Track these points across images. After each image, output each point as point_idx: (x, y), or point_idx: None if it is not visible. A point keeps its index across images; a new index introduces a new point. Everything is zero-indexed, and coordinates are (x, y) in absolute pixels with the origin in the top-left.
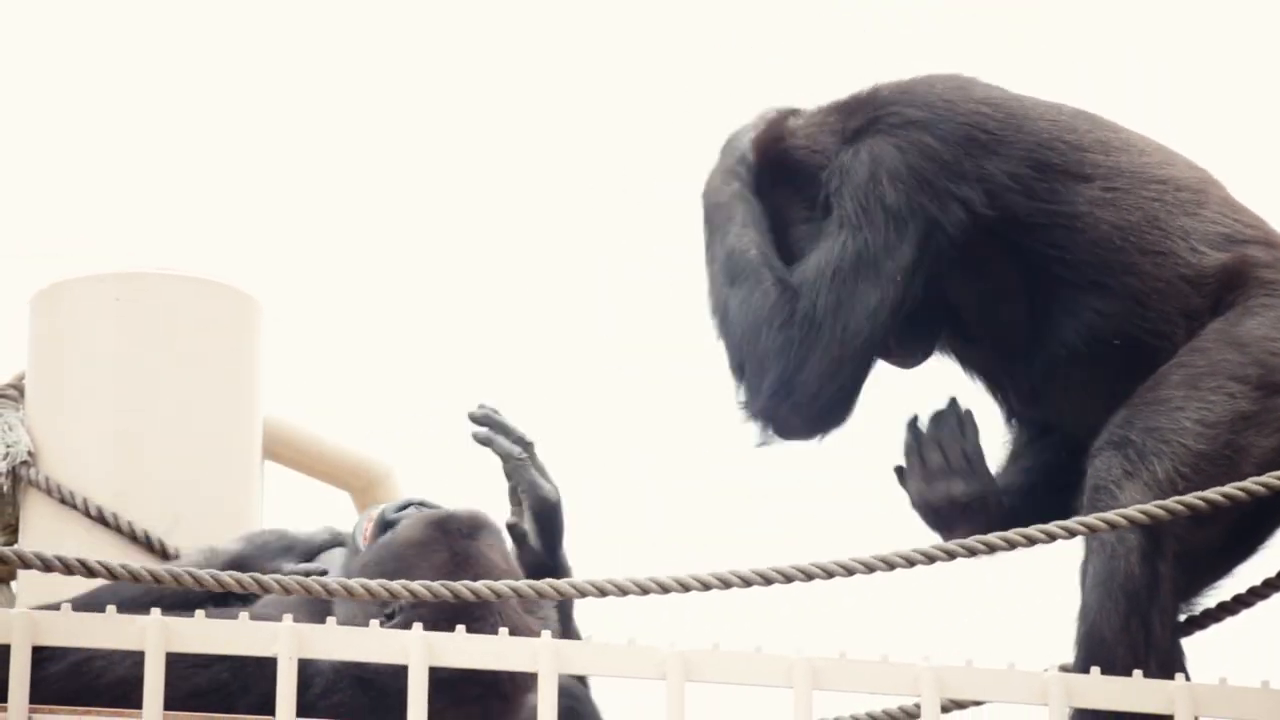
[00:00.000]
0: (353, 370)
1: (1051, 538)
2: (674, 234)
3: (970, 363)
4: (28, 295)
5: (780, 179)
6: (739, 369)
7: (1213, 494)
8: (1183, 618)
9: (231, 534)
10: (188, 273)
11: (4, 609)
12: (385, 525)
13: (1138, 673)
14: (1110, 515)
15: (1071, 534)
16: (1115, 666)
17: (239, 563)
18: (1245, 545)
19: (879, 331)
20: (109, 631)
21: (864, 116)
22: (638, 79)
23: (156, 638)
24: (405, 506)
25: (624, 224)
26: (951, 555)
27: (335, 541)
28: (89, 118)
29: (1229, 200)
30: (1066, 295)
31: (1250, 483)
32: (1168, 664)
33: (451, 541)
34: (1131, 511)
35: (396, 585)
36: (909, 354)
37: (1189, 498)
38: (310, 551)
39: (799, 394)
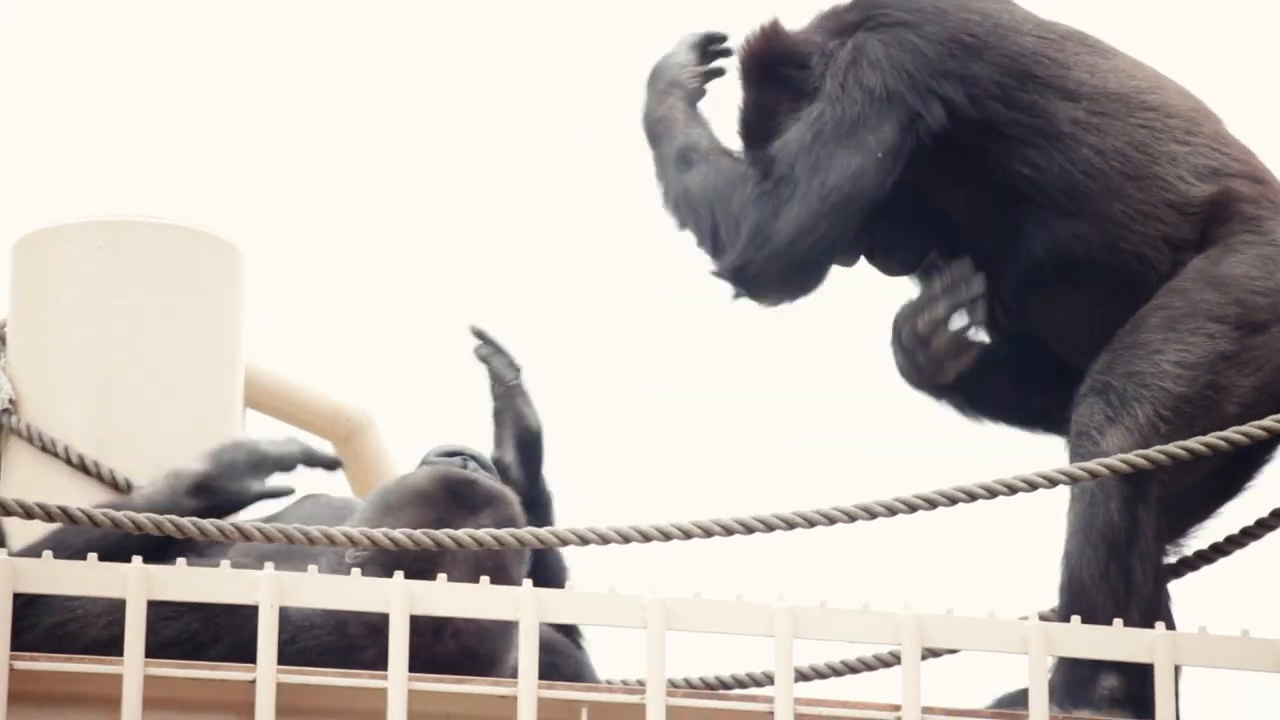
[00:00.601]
0: (335, 319)
1: (1033, 486)
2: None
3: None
4: (10, 243)
5: (772, 81)
6: (710, 234)
7: (1194, 443)
8: (1171, 560)
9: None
10: (170, 220)
11: None
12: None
13: (1118, 621)
14: (1091, 465)
15: (1053, 483)
16: (1096, 613)
17: (205, 484)
18: (1231, 486)
19: (861, 195)
20: (90, 579)
21: (856, 15)
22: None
23: (138, 585)
24: (453, 454)
25: (609, 169)
26: (932, 504)
27: (306, 456)
28: (72, 66)
29: (1220, 133)
30: (1035, 213)
31: (1232, 432)
32: (1150, 610)
33: (450, 506)
34: (1113, 461)
35: (355, 533)
36: (892, 260)
37: (1171, 447)
38: (283, 466)
39: (776, 242)
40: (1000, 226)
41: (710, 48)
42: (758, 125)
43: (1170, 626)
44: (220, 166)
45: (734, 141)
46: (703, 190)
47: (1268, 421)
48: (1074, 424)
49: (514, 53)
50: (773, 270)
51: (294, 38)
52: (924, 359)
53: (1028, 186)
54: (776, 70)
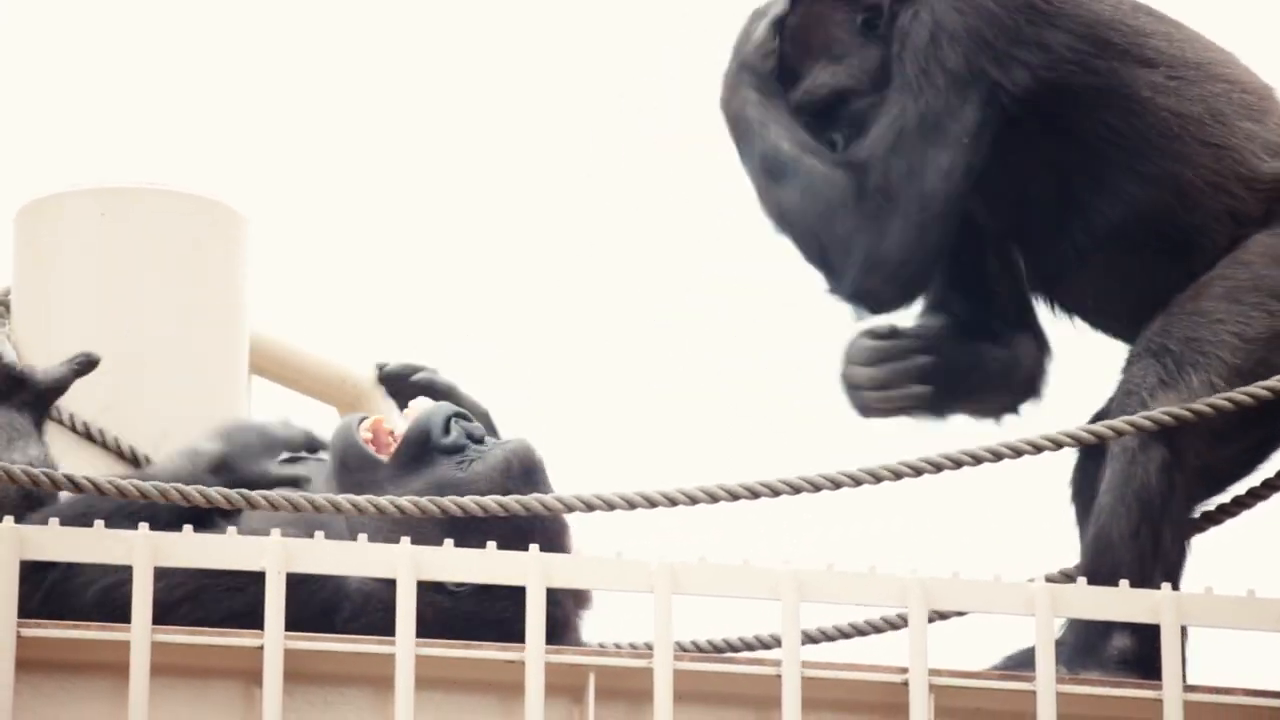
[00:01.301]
0: (339, 284)
1: (1078, 441)
2: (663, 145)
3: (994, 240)
4: (12, 210)
5: (856, 21)
6: (820, 257)
7: (1238, 394)
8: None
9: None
10: (173, 187)
11: None
12: (429, 446)
13: (1124, 582)
14: (1136, 418)
15: (1099, 438)
16: (1120, 571)
17: (224, 463)
18: (1251, 467)
19: (955, 191)
20: (96, 546)
21: None
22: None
23: (144, 553)
24: (448, 427)
25: (607, 143)
26: (957, 464)
27: (310, 441)
28: (74, 33)
29: None
30: (1110, 178)
31: (1277, 380)
32: (1172, 576)
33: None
34: (1157, 414)
35: (384, 501)
36: None
37: (1215, 398)
38: (290, 448)
39: (889, 263)
40: (1056, 198)
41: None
42: (806, 35)
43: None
44: (223, 133)
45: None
46: (801, 211)
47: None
48: (1124, 382)
49: (519, 23)
50: (892, 288)
51: (296, 3)
52: (870, 401)
53: (1101, 152)
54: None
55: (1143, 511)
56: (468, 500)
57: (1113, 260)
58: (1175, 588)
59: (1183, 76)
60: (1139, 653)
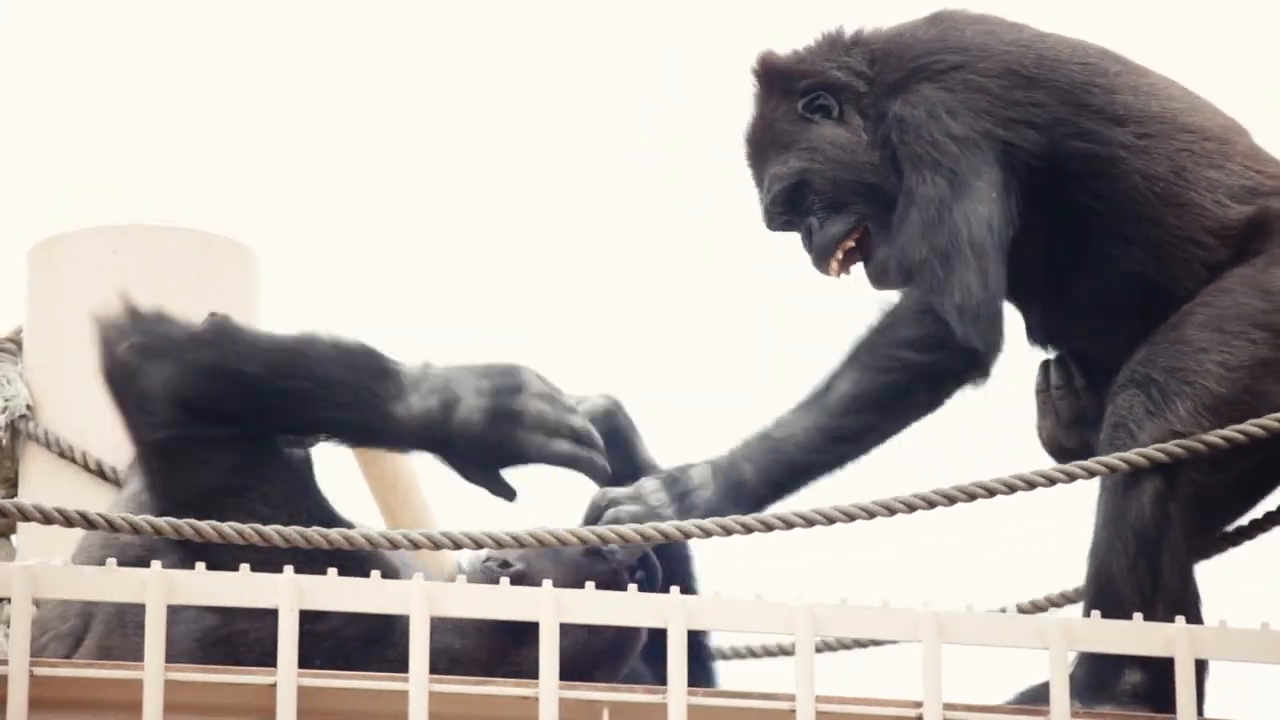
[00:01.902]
0: (350, 322)
1: (1071, 478)
2: (678, 158)
3: None
4: (24, 249)
5: (783, 96)
6: (945, 373)
7: (1230, 431)
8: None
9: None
10: (184, 225)
11: (4, 563)
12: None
13: (1138, 615)
14: (1130, 455)
15: (1091, 474)
16: (1122, 605)
17: (487, 430)
18: (1251, 498)
19: (1000, 239)
20: (109, 584)
21: (900, 69)
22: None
23: (157, 590)
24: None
25: (621, 166)
26: (971, 496)
27: (608, 412)
28: (86, 71)
29: (1253, 150)
30: (1094, 243)
31: (1271, 419)
32: (1176, 606)
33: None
34: (1150, 450)
35: (375, 534)
36: None
37: (1208, 436)
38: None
39: (980, 308)
40: (1046, 262)
41: None
42: (760, 136)
43: (1196, 621)
44: (233, 170)
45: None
46: (875, 390)
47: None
48: (1111, 415)
49: (524, 53)
50: (995, 329)
51: (306, 42)
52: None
53: (1091, 218)
54: (778, 80)
55: (1140, 545)
56: (478, 531)
57: (1102, 317)
58: (1184, 617)
59: (1150, 133)
60: (1152, 688)
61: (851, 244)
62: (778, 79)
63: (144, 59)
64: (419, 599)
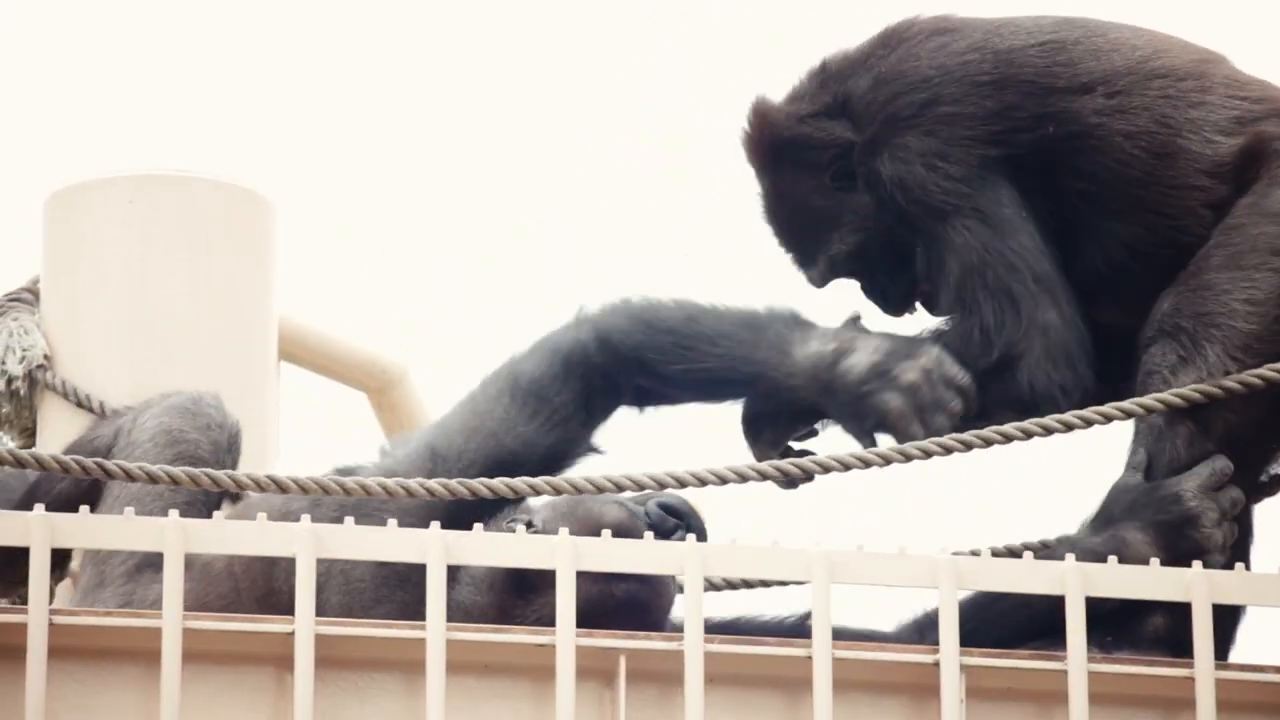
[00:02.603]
0: (367, 271)
1: (1108, 419)
2: (688, 132)
3: None
4: (41, 199)
5: (786, 164)
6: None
7: (1268, 370)
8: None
9: (250, 432)
10: (201, 175)
11: (23, 512)
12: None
13: (1154, 560)
14: (1166, 395)
15: (1128, 415)
16: None
17: (860, 381)
18: None
19: (1050, 258)
20: (128, 533)
21: (872, 120)
22: None
23: (175, 540)
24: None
25: (621, 166)
26: (988, 442)
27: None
28: (103, 21)
29: (1233, 78)
30: (1094, 221)
31: None
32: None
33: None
34: (1187, 390)
35: (414, 484)
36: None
37: (1244, 375)
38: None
39: (1055, 359)
40: (1064, 246)
41: None
42: (791, 217)
43: (1246, 565)
44: (250, 119)
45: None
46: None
47: None
48: (1144, 364)
49: (524, 53)
50: (1074, 368)
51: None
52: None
53: (1081, 199)
54: (786, 152)
55: None
56: (497, 482)
57: (1122, 287)
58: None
59: (1119, 89)
60: (1174, 631)
61: (919, 298)
62: (787, 149)
63: (161, 8)
64: (435, 546)
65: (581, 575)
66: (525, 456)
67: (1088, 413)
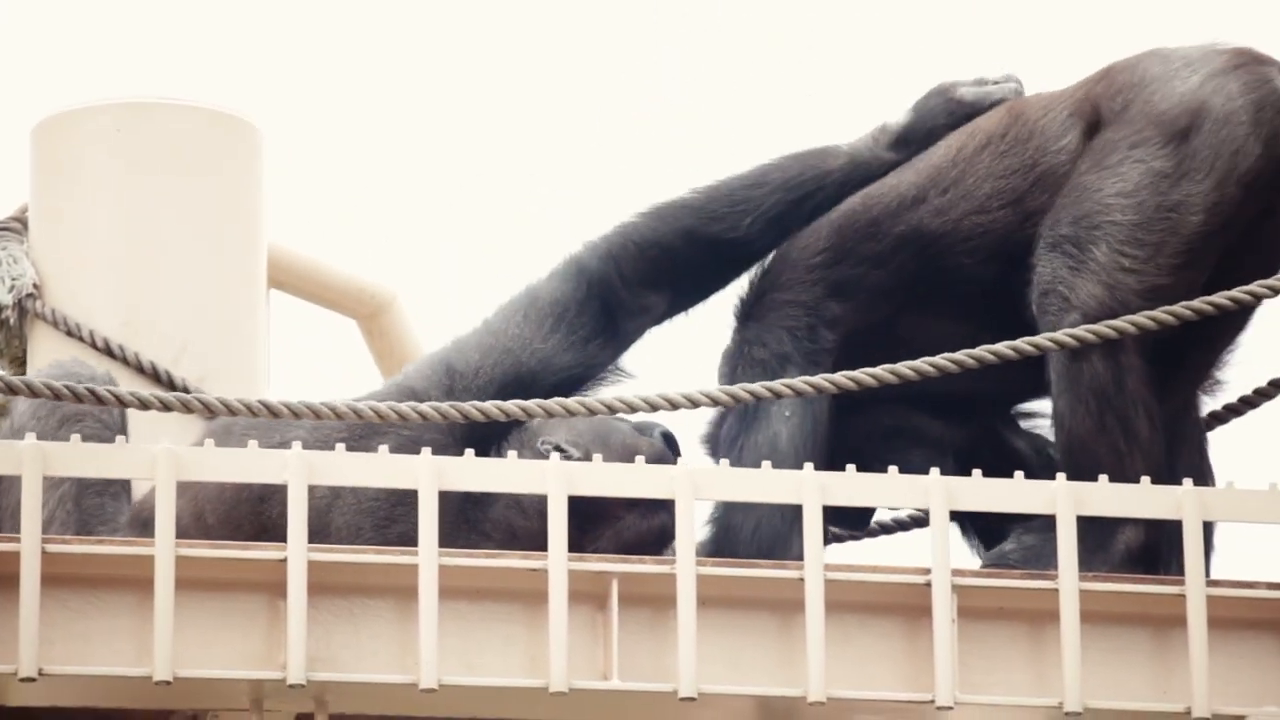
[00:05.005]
0: (355, 196)
1: (1021, 355)
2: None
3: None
4: (28, 127)
5: None
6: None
7: (1161, 313)
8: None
9: (240, 359)
10: (188, 101)
11: (14, 440)
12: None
13: (1145, 479)
14: (1059, 335)
15: (1039, 349)
16: (1099, 467)
17: (906, 137)
18: (1210, 337)
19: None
20: (119, 461)
21: (758, 308)
22: None
23: (167, 468)
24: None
25: (621, 166)
26: (920, 374)
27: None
28: None
29: (1041, 98)
30: (979, 305)
31: (1199, 302)
32: (1154, 457)
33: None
34: (1080, 331)
35: (405, 408)
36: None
37: (1138, 317)
38: (976, 111)
39: None
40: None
41: None
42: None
43: (1208, 479)
44: (236, 46)
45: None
46: None
47: (1234, 293)
48: (1036, 284)
49: (525, 53)
50: None
51: None
52: None
53: (963, 289)
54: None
55: (1100, 403)
56: (490, 405)
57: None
58: (1158, 469)
59: (948, 181)
60: (1146, 546)
61: None
62: None
63: None
64: (427, 473)
65: (632, 509)
66: (543, 375)
67: (999, 348)
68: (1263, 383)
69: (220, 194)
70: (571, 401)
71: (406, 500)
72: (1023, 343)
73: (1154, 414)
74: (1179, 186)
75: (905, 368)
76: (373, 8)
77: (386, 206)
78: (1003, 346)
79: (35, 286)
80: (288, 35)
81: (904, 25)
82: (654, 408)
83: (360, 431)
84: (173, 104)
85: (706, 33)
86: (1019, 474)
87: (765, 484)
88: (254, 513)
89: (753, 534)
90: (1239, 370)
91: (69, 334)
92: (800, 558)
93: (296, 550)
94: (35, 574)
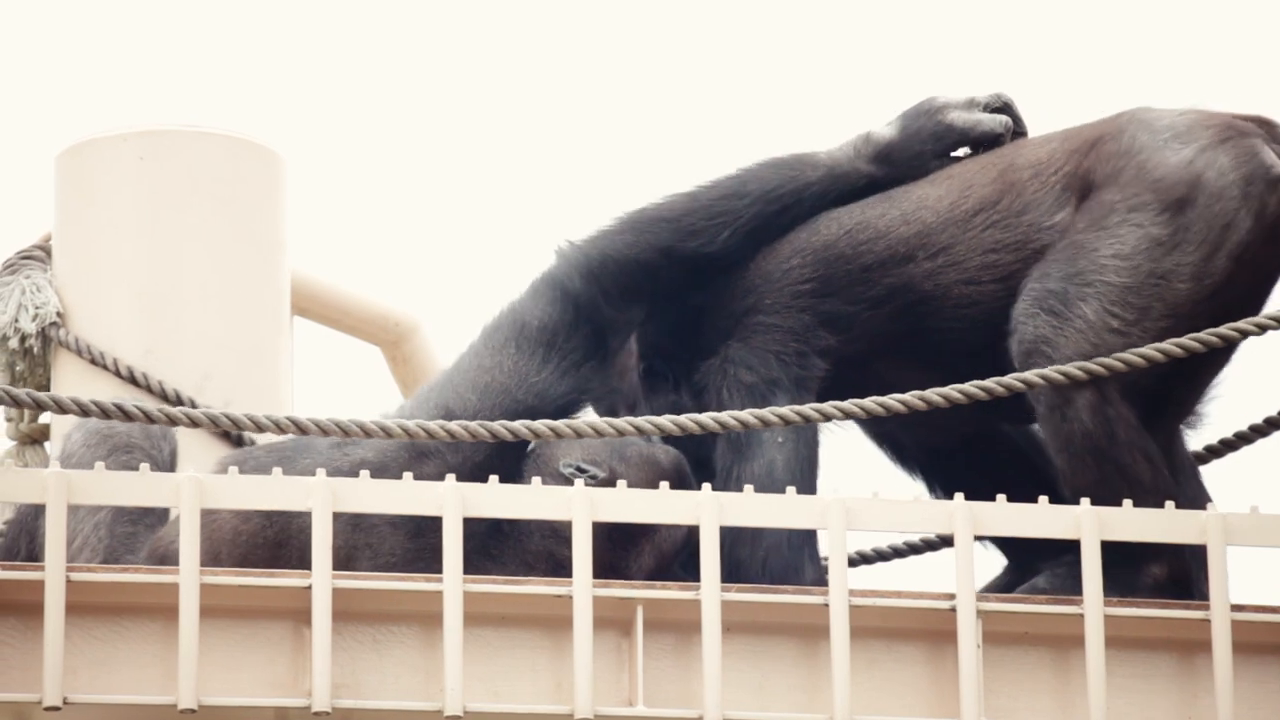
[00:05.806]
0: (378, 223)
1: (990, 395)
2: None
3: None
4: (52, 155)
5: None
6: None
7: (1149, 350)
8: (1192, 434)
9: (264, 386)
10: (212, 129)
11: (39, 468)
12: None
13: (1170, 504)
14: (1047, 372)
15: (1009, 390)
16: None
17: (889, 153)
18: (1196, 371)
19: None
20: (143, 489)
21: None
22: None
23: (191, 496)
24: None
25: (621, 166)
26: (934, 402)
27: (992, 132)
28: None
29: (1031, 159)
30: (970, 362)
31: (1187, 339)
32: (1162, 494)
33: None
34: (1049, 372)
35: (435, 425)
36: None
37: (1126, 355)
38: (965, 141)
39: None
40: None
41: None
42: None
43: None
44: (260, 74)
45: None
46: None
47: (1220, 331)
48: (1019, 342)
49: (525, 53)
50: None
51: None
52: None
53: (952, 344)
54: None
55: (1096, 456)
56: (519, 425)
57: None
58: (1171, 502)
59: (937, 246)
60: (1174, 577)
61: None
62: None
63: None
64: (452, 500)
65: (671, 527)
66: (541, 408)
67: (969, 387)
68: (1241, 418)
69: (243, 221)
70: (589, 423)
71: (426, 554)
72: (992, 383)
73: (1153, 456)
74: (1171, 255)
75: (893, 400)
76: (394, 36)
77: (410, 233)
78: (971, 386)
79: (59, 315)
80: (310, 63)
81: (902, 25)
82: (664, 431)
83: (375, 465)
84: (196, 131)
85: (706, 33)
86: (1043, 499)
87: (790, 509)
88: (272, 557)
89: (762, 566)
90: (1219, 405)
91: (92, 362)
92: (814, 585)
93: (321, 577)
94: (60, 602)
